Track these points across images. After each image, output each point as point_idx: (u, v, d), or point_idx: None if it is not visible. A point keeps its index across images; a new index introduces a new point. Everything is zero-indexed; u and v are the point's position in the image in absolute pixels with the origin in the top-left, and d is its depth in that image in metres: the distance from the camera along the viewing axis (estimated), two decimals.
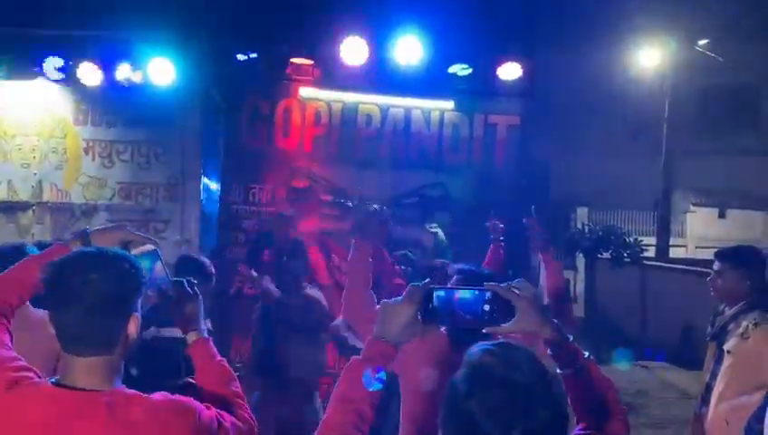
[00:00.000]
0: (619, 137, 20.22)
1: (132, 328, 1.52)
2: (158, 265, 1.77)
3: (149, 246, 1.80)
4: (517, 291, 1.49)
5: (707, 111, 18.41)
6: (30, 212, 6.19)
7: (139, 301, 1.54)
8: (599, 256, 13.07)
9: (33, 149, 6.19)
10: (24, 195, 6.19)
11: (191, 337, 1.80)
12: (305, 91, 5.94)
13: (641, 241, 13.24)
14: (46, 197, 6.21)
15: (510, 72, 5.64)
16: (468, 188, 6.04)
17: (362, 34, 5.47)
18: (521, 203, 6.09)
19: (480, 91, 5.90)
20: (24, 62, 5.75)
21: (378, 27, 5.47)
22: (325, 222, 5.89)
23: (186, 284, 1.81)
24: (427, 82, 5.69)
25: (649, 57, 12.52)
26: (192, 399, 1.55)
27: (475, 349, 1.30)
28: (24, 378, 1.48)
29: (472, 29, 5.59)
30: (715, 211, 20.30)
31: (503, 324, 1.47)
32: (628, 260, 12.64)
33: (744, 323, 2.64)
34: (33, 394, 1.45)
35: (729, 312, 3.32)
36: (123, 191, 6.24)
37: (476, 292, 1.51)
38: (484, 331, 1.47)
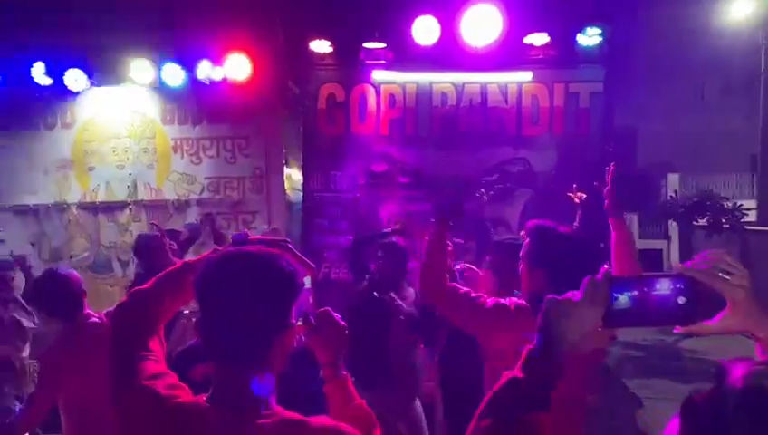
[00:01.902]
0: (712, 95, 19.06)
1: (287, 339, 1.35)
2: (306, 292, 1.58)
3: (307, 272, 1.60)
4: (727, 277, 1.14)
5: None
6: (127, 211, 6.55)
7: (294, 310, 1.38)
8: (694, 223, 12.43)
9: (126, 151, 6.53)
10: (120, 194, 6.55)
11: (328, 373, 1.58)
12: (379, 75, 5.92)
13: (741, 205, 12.46)
14: (141, 195, 6.55)
15: (590, 37, 5.41)
16: (551, 162, 5.86)
17: (433, 12, 5.40)
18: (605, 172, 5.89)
19: (559, 59, 5.68)
20: (113, 68, 6.07)
21: (449, 3, 5.37)
22: (405, 205, 5.89)
23: (331, 314, 1.62)
24: (503, 55, 5.53)
25: (742, 7, 11.64)
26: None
27: (745, 372, 0.94)
28: (175, 396, 1.35)
29: None
30: None
31: (705, 322, 1.15)
32: (727, 226, 11.94)
33: None
34: (186, 412, 1.33)
35: None
36: (212, 186, 6.49)
37: (669, 280, 1.15)
38: (678, 331, 1.17)
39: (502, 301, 2.46)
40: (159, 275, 1.57)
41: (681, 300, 1.13)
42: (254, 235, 1.64)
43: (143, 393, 1.36)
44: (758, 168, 16.05)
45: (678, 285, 1.14)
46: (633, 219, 17.83)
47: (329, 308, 1.61)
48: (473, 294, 2.53)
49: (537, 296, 2.24)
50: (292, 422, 1.31)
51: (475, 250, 4.72)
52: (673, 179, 16.40)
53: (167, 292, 1.53)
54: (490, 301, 2.47)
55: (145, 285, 1.56)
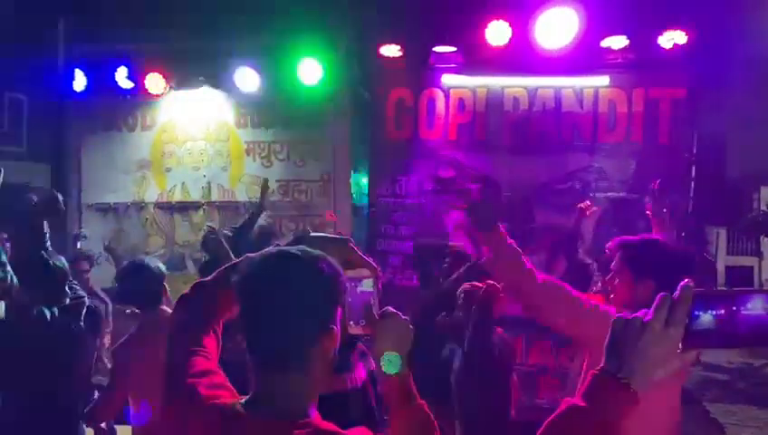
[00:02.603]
0: None
1: (329, 345, 1.28)
2: (371, 294, 1.51)
3: (368, 272, 1.52)
4: None
5: None
6: (201, 211, 6.73)
7: (338, 314, 1.32)
8: None
9: (202, 153, 6.72)
10: (195, 195, 6.74)
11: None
12: (448, 79, 5.83)
13: None
14: (214, 196, 6.72)
15: (672, 39, 5.12)
16: (628, 171, 5.59)
17: (506, 15, 5.27)
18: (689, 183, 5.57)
19: (639, 63, 5.41)
20: (191, 73, 6.27)
21: (522, 4, 5.22)
22: None
23: (395, 311, 1.52)
24: (578, 59, 5.33)
25: None
26: None
27: None
28: (215, 397, 1.30)
29: None
30: None
31: None
32: None
33: None
34: (220, 415, 1.27)
35: None
36: (282, 189, 6.57)
37: (762, 296, 1.03)
38: None
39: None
40: (221, 268, 1.52)
41: None
42: None
43: (184, 390, 1.34)
44: None
45: None
46: (721, 234, 16.85)
47: (390, 308, 1.52)
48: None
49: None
50: (328, 434, 1.24)
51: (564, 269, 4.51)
52: (766, 193, 15.41)
53: (227, 286, 1.43)
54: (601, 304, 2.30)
55: (208, 278, 1.53)
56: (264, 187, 5.55)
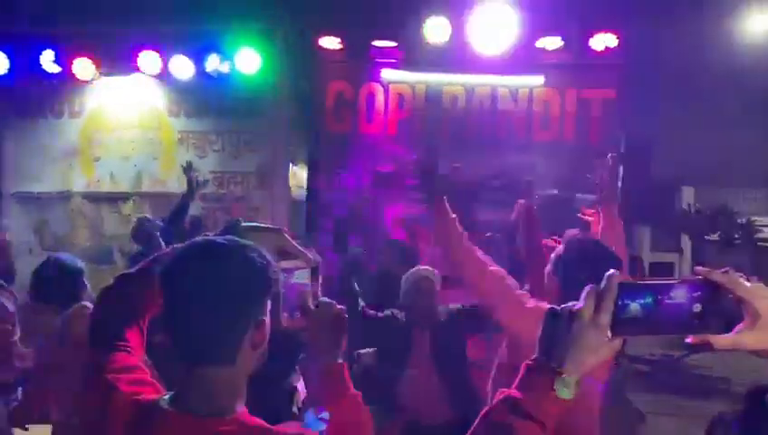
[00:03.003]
0: (731, 110, 18.76)
1: (258, 337, 1.24)
2: (307, 286, 1.47)
3: (303, 263, 1.48)
4: (748, 284, 1.02)
5: None
6: (131, 202, 6.51)
7: (267, 305, 1.27)
8: (706, 237, 12.23)
9: (132, 142, 6.49)
10: (124, 186, 6.51)
11: (324, 360, 1.46)
12: (388, 74, 5.86)
13: (756, 221, 12.23)
14: (145, 187, 6.50)
15: (604, 42, 5.30)
16: (560, 169, 5.75)
17: (445, 13, 5.32)
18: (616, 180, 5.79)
19: (571, 64, 5.59)
20: (121, 58, 6.02)
21: (461, 4, 5.28)
22: (411, 207, 5.80)
23: (330, 301, 1.49)
24: (514, 59, 5.44)
25: (764, 20, 11.44)
26: None
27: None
28: (136, 393, 1.26)
29: None
30: None
31: (723, 334, 1.04)
32: (740, 242, 11.73)
33: None
34: (142, 412, 1.23)
35: None
36: (216, 180, 6.42)
37: (685, 288, 1.04)
38: (689, 341, 1.06)
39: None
40: (148, 259, 1.45)
41: (696, 308, 1.02)
42: None
43: (103, 387, 1.27)
44: None
45: (695, 294, 1.02)
46: (645, 232, 17.61)
47: (331, 301, 1.50)
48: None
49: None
50: (256, 430, 1.21)
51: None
52: (688, 193, 16.18)
53: (152, 277, 1.37)
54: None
55: (132, 270, 1.46)
56: (188, 169, 4.90)
